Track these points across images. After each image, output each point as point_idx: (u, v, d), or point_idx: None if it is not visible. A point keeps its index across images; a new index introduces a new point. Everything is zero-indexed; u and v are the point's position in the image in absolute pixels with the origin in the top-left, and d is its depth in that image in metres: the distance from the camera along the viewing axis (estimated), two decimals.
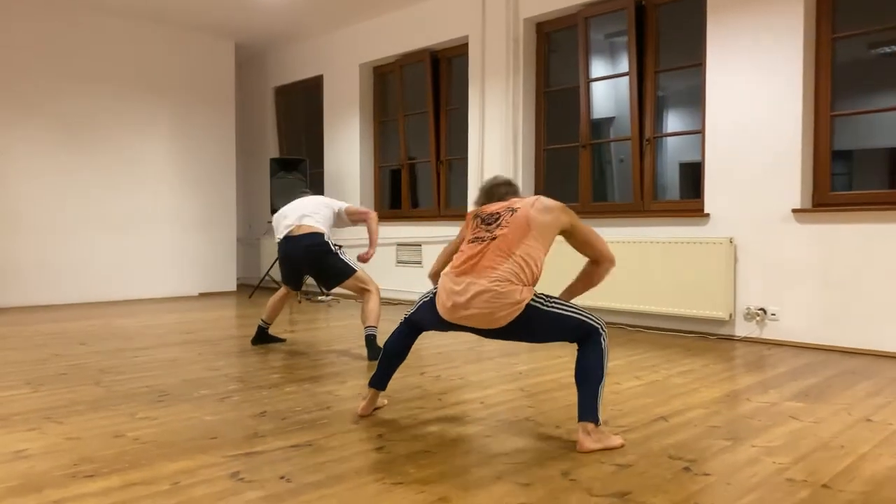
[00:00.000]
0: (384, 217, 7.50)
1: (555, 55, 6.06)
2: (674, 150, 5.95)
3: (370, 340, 3.89)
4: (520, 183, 5.97)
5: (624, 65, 6.91)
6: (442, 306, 2.40)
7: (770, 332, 4.52)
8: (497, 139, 6.14)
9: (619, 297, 5.13)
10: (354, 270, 4.08)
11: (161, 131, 7.59)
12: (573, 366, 3.76)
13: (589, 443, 2.29)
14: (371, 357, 3.87)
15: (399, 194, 7.72)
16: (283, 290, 4.31)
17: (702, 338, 4.69)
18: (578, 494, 1.92)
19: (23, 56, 6.61)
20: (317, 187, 8.06)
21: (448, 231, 6.63)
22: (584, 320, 2.38)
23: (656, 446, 2.35)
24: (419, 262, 6.90)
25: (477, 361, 3.90)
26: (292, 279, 4.23)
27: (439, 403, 2.94)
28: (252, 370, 3.64)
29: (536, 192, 6.05)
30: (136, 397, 3.05)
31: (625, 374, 3.52)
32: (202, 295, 7.82)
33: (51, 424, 2.62)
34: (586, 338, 2.38)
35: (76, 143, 6.97)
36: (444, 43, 6.69)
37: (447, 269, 2.47)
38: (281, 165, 7.41)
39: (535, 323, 2.33)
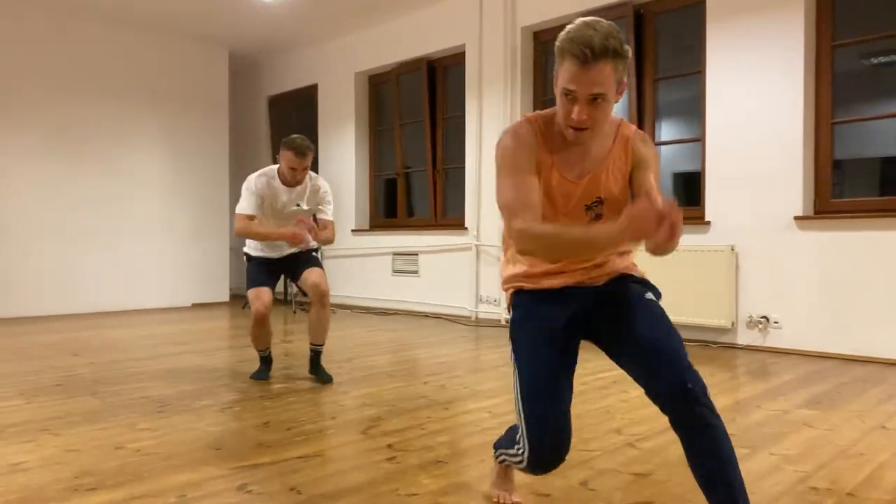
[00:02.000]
0: (380, 226, 7.44)
1: (552, 64, 6.05)
2: (666, 161, 5.94)
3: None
4: None
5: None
6: None
7: (773, 341, 4.50)
8: (493, 147, 6.10)
9: None
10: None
11: (154, 141, 7.50)
12: (576, 374, 3.71)
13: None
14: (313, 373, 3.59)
15: (393, 203, 7.67)
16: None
17: (704, 346, 4.66)
18: None
19: (13, 64, 6.52)
20: None
21: (445, 240, 6.58)
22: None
23: (673, 455, 2.30)
24: (416, 272, 6.84)
25: (479, 371, 3.84)
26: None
27: (447, 413, 2.88)
28: (251, 381, 3.56)
29: None
30: (135, 408, 2.97)
31: (630, 383, 3.47)
32: (195, 305, 7.72)
33: (47, 436, 2.53)
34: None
35: (68, 152, 6.88)
36: (441, 52, 6.67)
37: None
38: None
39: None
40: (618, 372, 3.77)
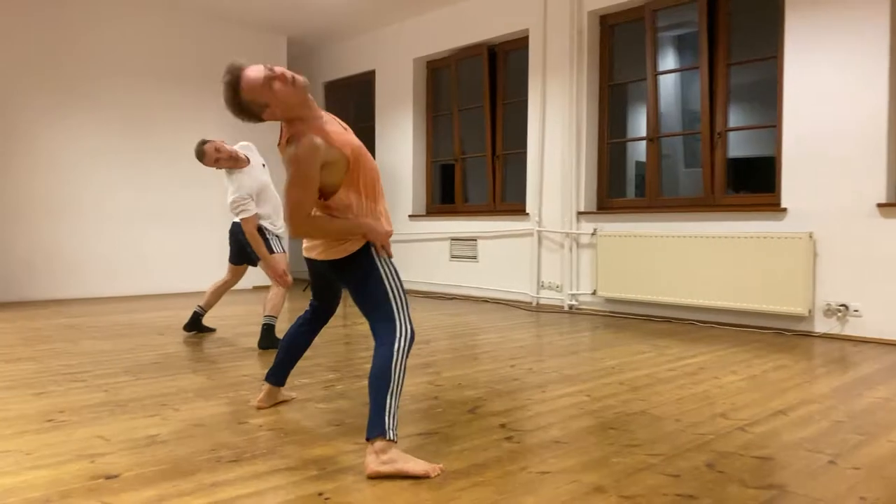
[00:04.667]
0: (436, 212, 7.49)
1: (619, 48, 6.01)
2: (734, 145, 5.86)
3: (267, 329, 4.03)
4: (582, 176, 5.94)
5: (686, 58, 6.86)
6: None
7: (852, 329, 4.45)
8: (558, 133, 6.11)
9: (687, 293, 5.08)
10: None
11: (215, 127, 7.64)
12: (660, 360, 3.72)
13: (375, 465, 1.92)
14: (263, 346, 3.99)
15: (447, 189, 7.71)
16: (227, 277, 4.50)
17: (779, 334, 4.62)
18: (734, 486, 1.90)
19: (83, 50, 6.69)
20: None
21: (504, 226, 6.60)
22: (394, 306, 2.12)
23: (789, 440, 2.31)
24: (474, 257, 6.88)
25: (561, 356, 3.87)
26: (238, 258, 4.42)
27: (544, 395, 2.92)
28: (342, 360, 3.65)
29: (599, 186, 6.01)
30: (241, 385, 3.07)
31: (719, 369, 3.48)
32: (256, 288, 7.87)
33: (168, 411, 2.64)
34: (385, 331, 2.09)
35: (135, 137, 7.04)
36: (503, 37, 6.66)
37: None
38: None
39: (352, 277, 2.15)
40: (702, 358, 3.77)
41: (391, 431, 1.95)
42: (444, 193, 7.81)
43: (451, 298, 6.85)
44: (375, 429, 1.95)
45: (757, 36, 5.44)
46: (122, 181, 6.97)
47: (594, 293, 5.77)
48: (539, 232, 6.26)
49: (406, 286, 7.64)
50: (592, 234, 5.81)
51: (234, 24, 7.74)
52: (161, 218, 7.24)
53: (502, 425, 2.46)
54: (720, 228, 5.06)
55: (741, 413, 2.65)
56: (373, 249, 2.15)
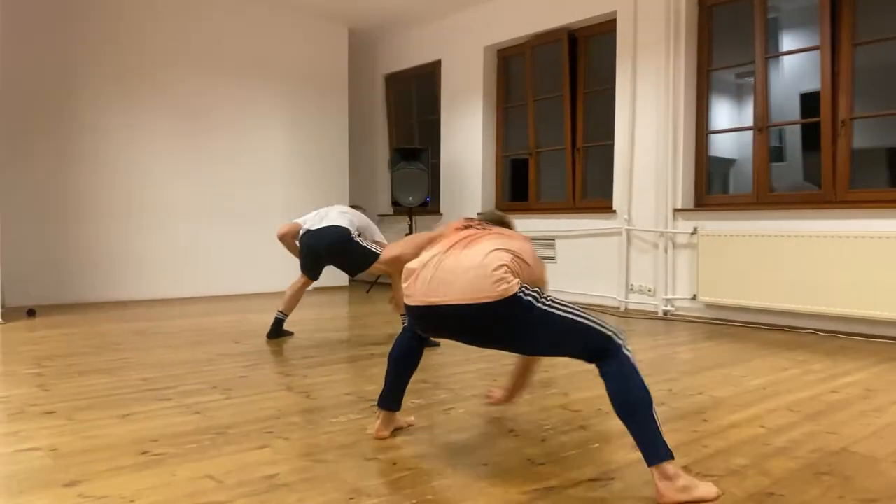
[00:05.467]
0: (507, 209, 7.05)
1: (719, 30, 5.49)
2: (861, 134, 5.29)
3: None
4: (679, 170, 5.44)
5: (804, 39, 6.35)
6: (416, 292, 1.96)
7: None
8: (651, 122, 5.62)
9: (808, 299, 4.56)
10: (377, 255, 4.04)
11: (275, 120, 7.32)
12: (811, 379, 3.23)
13: (672, 493, 1.71)
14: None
15: (518, 186, 7.26)
16: (301, 279, 4.29)
17: None
18: None
19: (141, 42, 6.41)
20: (434, 178, 7.67)
21: (583, 224, 6.14)
22: (594, 327, 1.85)
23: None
24: (553, 258, 6.43)
25: (695, 372, 3.41)
26: (312, 269, 4.26)
27: (708, 426, 2.47)
28: (444, 375, 3.24)
29: (697, 181, 5.51)
30: (347, 406, 2.68)
31: (890, 391, 2.98)
32: (316, 290, 7.53)
33: (278, 441, 2.25)
34: (603, 353, 1.83)
35: (197, 133, 6.75)
36: (586, 21, 6.19)
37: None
38: (402, 155, 7.03)
39: (524, 323, 1.81)
40: (859, 376, 3.26)
41: (669, 451, 1.74)
42: (515, 190, 7.36)
43: None
44: (658, 452, 1.73)
45: (887, 11, 4.88)
46: (184, 178, 6.68)
47: (694, 298, 5.28)
48: (628, 231, 5.78)
49: None
50: (692, 234, 5.31)
51: (293, 13, 7.41)
52: (224, 217, 6.94)
53: (685, 467, 2.02)
54: (844, 227, 4.53)
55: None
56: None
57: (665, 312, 5.51)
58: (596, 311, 5.72)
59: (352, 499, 1.77)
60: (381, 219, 8.34)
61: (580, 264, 6.20)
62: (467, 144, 7.32)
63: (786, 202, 4.95)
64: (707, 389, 3.01)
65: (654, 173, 5.60)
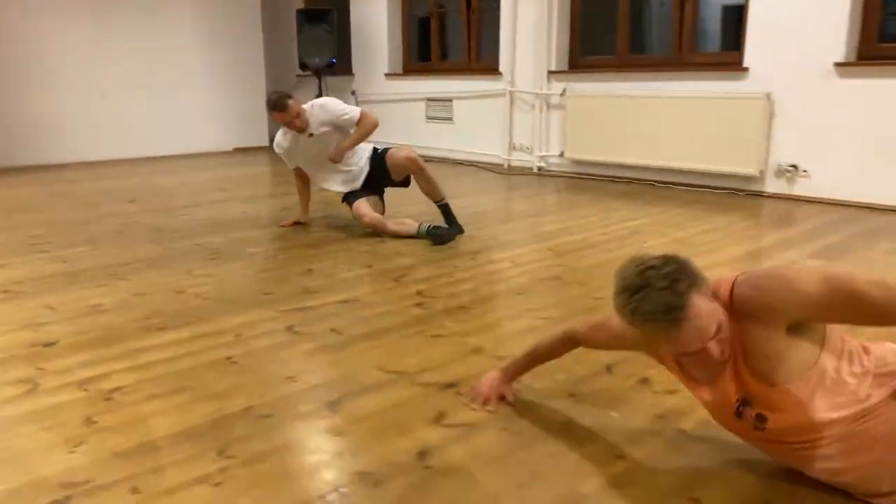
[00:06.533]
0: (413, 70, 7.37)
1: None
2: None
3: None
4: (554, 33, 5.77)
5: None
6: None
7: (801, 189, 4.55)
8: None
9: (648, 154, 5.14)
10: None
11: None
12: (600, 224, 3.88)
13: None
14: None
15: (427, 46, 7.52)
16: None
17: (731, 194, 4.74)
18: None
19: None
20: (343, 41, 7.86)
21: (477, 86, 6.53)
22: None
23: None
24: (450, 119, 6.87)
25: (508, 221, 4.03)
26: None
27: (473, 262, 3.12)
28: (294, 229, 3.83)
29: (571, 44, 5.87)
30: (191, 255, 3.28)
31: (651, 232, 3.64)
32: (237, 150, 7.96)
33: (118, 281, 2.86)
34: None
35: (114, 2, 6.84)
36: None
37: None
38: (307, 17, 7.20)
39: None
40: (643, 220, 3.92)
41: None
42: (422, 50, 7.61)
43: (428, 161, 6.91)
44: None
45: None
46: (98, 46, 6.85)
47: (562, 155, 5.84)
48: (511, 92, 6.21)
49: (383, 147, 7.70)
50: (561, 95, 5.77)
51: None
52: (133, 83, 7.18)
53: (419, 292, 2.67)
54: (685, 88, 5.02)
55: None
56: None
57: (539, 169, 6.08)
58: (485, 169, 6.28)
59: (147, 318, 2.40)
60: (296, 79, 8.58)
61: (473, 125, 6.66)
62: (375, 4, 7.47)
63: (643, 65, 5.38)
64: (501, 235, 3.65)
65: (533, 35, 5.93)
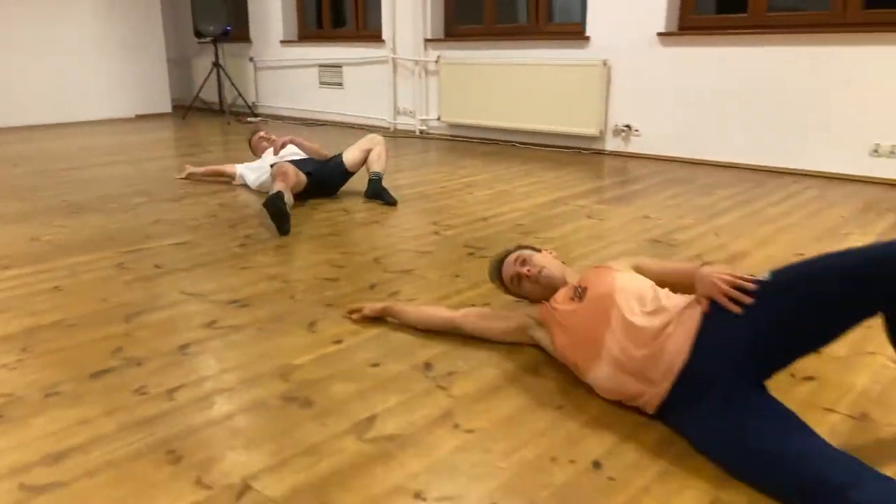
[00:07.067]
0: (308, 37, 7.64)
1: None
2: None
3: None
4: (429, 4, 6.16)
5: None
6: None
7: (634, 147, 5.12)
8: None
9: (509, 117, 5.62)
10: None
11: None
12: (443, 178, 4.33)
13: None
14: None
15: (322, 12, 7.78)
16: None
17: (578, 153, 5.28)
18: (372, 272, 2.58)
19: None
20: (241, 8, 8.05)
21: (365, 52, 6.87)
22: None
23: (460, 240, 3.00)
24: (340, 84, 7.21)
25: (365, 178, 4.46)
26: None
27: (309, 210, 3.54)
28: (163, 185, 4.17)
29: (446, 13, 6.26)
30: (54, 210, 3.60)
31: (482, 187, 4.13)
32: (139, 117, 8.12)
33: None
34: None
35: None
36: None
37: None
38: None
39: None
40: (483, 176, 4.39)
41: None
42: (319, 16, 7.87)
43: (322, 125, 7.27)
44: None
45: None
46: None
47: (439, 119, 6.27)
48: (394, 59, 6.59)
49: (278, 112, 8.03)
50: (436, 62, 6.18)
51: None
52: (34, 49, 7.25)
53: (247, 236, 3.08)
54: (538, 56, 5.49)
55: (453, 220, 3.32)
56: None
57: (421, 132, 6.51)
58: (371, 131, 6.67)
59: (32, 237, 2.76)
60: (196, 46, 8.72)
61: (361, 90, 7.02)
62: None
63: (505, 34, 5.83)
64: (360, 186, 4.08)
65: (411, 4, 6.30)
